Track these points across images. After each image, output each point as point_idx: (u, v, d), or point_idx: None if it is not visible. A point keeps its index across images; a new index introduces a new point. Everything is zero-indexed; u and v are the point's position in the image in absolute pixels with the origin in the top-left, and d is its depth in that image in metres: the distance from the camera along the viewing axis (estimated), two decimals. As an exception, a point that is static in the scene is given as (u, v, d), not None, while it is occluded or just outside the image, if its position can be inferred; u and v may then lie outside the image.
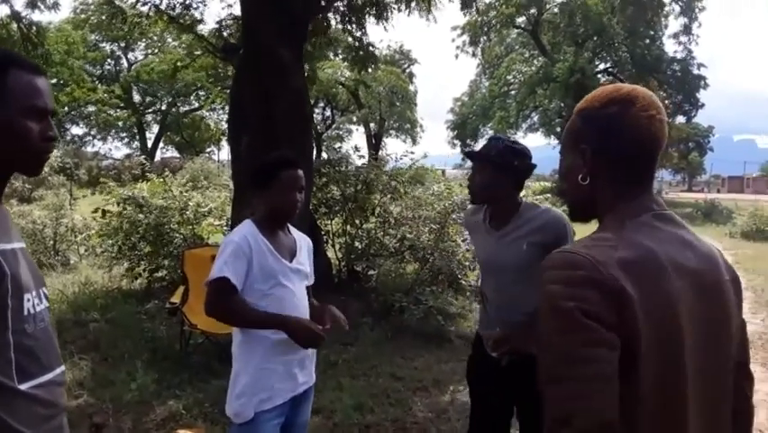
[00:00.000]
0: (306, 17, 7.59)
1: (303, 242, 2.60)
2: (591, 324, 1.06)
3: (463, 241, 7.08)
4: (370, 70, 12.41)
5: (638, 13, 27.70)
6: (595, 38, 30.20)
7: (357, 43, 9.77)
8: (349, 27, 9.50)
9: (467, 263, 7.41)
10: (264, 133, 6.86)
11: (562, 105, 30.89)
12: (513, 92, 36.43)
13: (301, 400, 2.51)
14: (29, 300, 1.35)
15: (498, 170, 2.55)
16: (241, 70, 7.60)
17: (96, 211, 7.59)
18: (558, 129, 31.99)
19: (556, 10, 31.22)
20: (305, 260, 2.55)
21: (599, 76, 32.08)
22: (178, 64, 23.05)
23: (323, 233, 8.02)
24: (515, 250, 2.53)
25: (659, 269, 1.15)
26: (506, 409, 2.71)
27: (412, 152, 8.75)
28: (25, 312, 1.34)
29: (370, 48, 10.09)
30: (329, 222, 8.19)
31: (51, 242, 9.31)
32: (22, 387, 1.31)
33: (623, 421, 1.05)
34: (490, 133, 43.45)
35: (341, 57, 18.61)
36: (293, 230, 2.60)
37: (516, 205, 2.62)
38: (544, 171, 37.91)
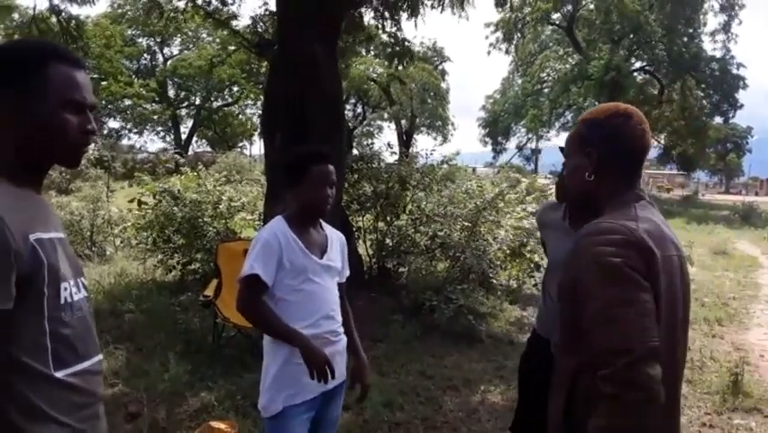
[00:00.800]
0: (341, 13, 7.60)
1: (335, 238, 2.59)
2: (635, 275, 1.39)
3: (494, 239, 7.03)
4: (405, 66, 12.37)
5: (676, 11, 27.17)
6: (631, 35, 29.69)
7: (392, 39, 9.74)
8: (383, 23, 9.47)
9: (498, 262, 7.35)
10: (297, 129, 6.89)
11: (597, 103, 30.44)
12: (546, 90, 36.04)
13: (332, 396, 2.51)
14: (66, 289, 1.37)
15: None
16: (275, 66, 7.64)
17: (132, 201, 7.70)
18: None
19: (592, 6, 30.75)
20: (336, 256, 2.54)
21: (635, 74, 31.53)
22: (214, 60, 23.27)
23: (354, 229, 8.04)
24: None
25: (665, 238, 1.54)
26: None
27: (434, 150, 8.73)
28: (62, 300, 1.35)
29: (406, 43, 10.06)
30: (360, 218, 8.20)
31: (88, 233, 9.50)
32: (58, 375, 1.33)
33: None
34: (523, 131, 43.14)
35: (373, 53, 18.62)
36: (325, 226, 2.58)
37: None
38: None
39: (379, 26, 9.56)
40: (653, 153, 43.97)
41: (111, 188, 12.98)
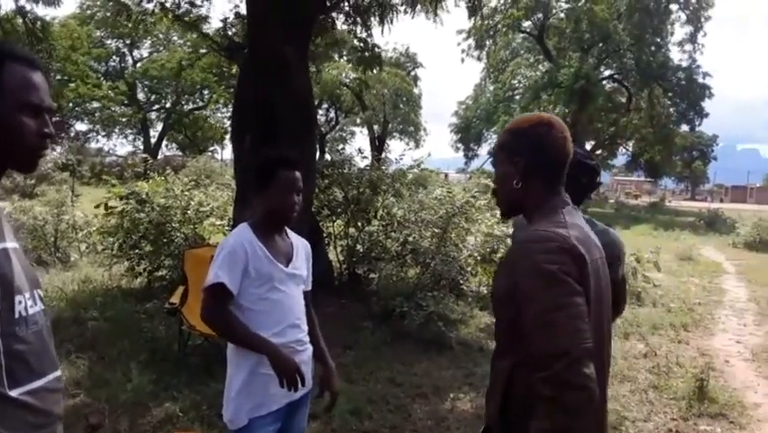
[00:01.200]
0: (311, 17, 7.56)
1: (300, 246, 2.55)
2: (569, 280, 1.47)
3: (465, 246, 7.04)
4: (374, 71, 12.36)
5: (644, 20, 27.70)
6: (601, 44, 30.16)
7: (362, 44, 9.71)
8: (354, 28, 9.44)
9: (469, 268, 7.36)
10: (267, 131, 6.81)
11: (567, 110, 30.82)
12: (517, 97, 36.36)
13: (297, 406, 2.46)
14: (20, 303, 1.30)
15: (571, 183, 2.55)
16: (245, 69, 7.56)
17: (98, 206, 7.53)
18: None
19: (562, 15, 31.20)
20: (301, 264, 2.50)
21: (604, 82, 32.03)
22: (183, 63, 22.99)
23: (324, 235, 7.98)
24: None
25: (591, 243, 1.64)
26: None
27: (403, 154, 8.74)
28: (16, 315, 1.29)
29: (376, 49, 10.04)
30: (331, 224, 8.15)
31: (52, 238, 9.26)
32: (12, 393, 1.26)
33: None
34: (494, 137, 43.45)
35: (345, 58, 18.60)
36: (291, 234, 2.55)
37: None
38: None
39: (350, 31, 9.51)
40: (620, 160, 44.78)
41: (76, 193, 12.70)
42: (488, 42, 33.08)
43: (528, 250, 1.55)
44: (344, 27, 9.69)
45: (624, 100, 33.32)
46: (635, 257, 8.99)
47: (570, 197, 2.52)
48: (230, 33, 8.86)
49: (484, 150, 44.08)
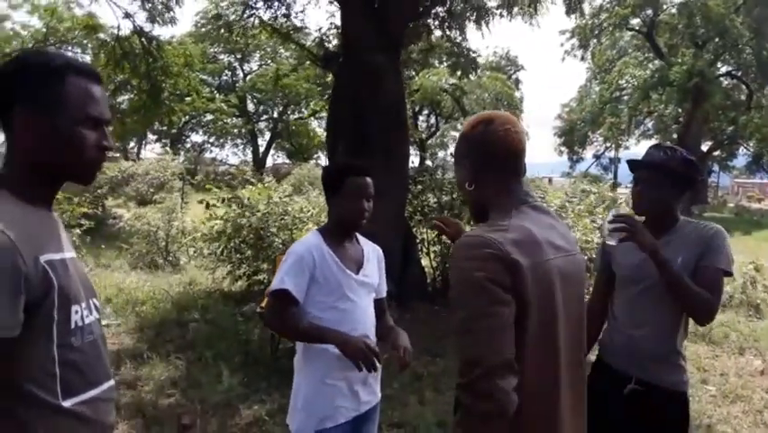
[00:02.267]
0: (403, 24, 7.57)
1: (372, 252, 2.51)
2: (495, 288, 1.42)
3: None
4: (471, 77, 12.20)
5: (764, 13, 25.63)
6: (716, 39, 28.16)
7: (457, 49, 9.62)
8: (449, 33, 9.37)
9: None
10: (358, 139, 6.90)
11: (680, 110, 29.07)
12: (625, 97, 34.71)
13: (365, 420, 2.41)
14: (77, 312, 1.33)
15: (676, 184, 2.40)
16: (338, 78, 7.70)
17: (201, 202, 7.91)
18: (675, 135, 30.13)
19: (674, 10, 29.46)
20: (372, 271, 2.47)
21: (721, 79, 29.91)
22: (280, 73, 23.74)
23: (417, 241, 7.94)
24: None
25: (538, 245, 1.53)
26: None
27: None
28: (72, 325, 1.31)
29: (471, 53, 9.92)
30: (424, 230, 8.09)
31: (164, 243, 9.83)
32: (66, 404, 1.29)
33: (517, 359, 1.41)
34: (600, 140, 41.80)
35: (445, 64, 18.54)
36: (362, 240, 2.52)
37: (676, 218, 2.44)
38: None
39: (444, 36, 9.44)
40: (741, 161, 41.63)
41: (185, 200, 13.42)
42: (592, 42, 31.84)
43: (458, 256, 1.53)
44: (439, 33, 9.65)
45: (743, 98, 30.97)
46: (753, 266, 8.28)
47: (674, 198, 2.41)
48: (326, 44, 9.05)
49: (589, 153, 42.57)
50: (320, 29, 9.02)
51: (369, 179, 2.37)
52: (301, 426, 2.29)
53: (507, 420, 1.39)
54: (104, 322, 5.90)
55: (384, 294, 2.58)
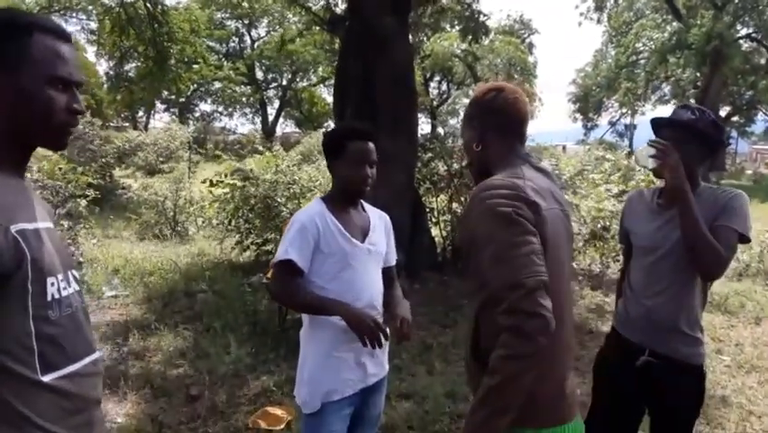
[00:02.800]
0: (412, -15, 7.33)
1: (379, 220, 2.41)
2: (524, 221, 1.55)
3: (574, 222, 6.62)
4: (482, 41, 11.90)
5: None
6: (736, 0, 27.39)
7: (467, 13, 9.35)
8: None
9: (579, 245, 6.95)
10: (366, 105, 6.74)
11: (698, 74, 28.43)
12: (642, 61, 34.01)
13: (372, 391, 2.34)
14: (53, 285, 1.26)
15: (702, 146, 2.29)
16: (345, 42, 7.50)
17: (204, 182, 7.81)
18: (692, 101, 29.54)
19: (693, -30, 28.63)
20: (380, 239, 2.37)
21: (741, 42, 29.15)
22: (285, 38, 23.41)
23: (427, 210, 7.82)
24: None
25: (548, 193, 1.70)
26: (634, 417, 2.49)
27: None
28: (48, 297, 1.24)
29: (482, 17, 9.64)
30: (434, 199, 7.96)
31: (171, 213, 9.77)
32: (46, 379, 1.23)
33: None
34: (616, 106, 41.14)
35: (456, 29, 18.17)
36: (368, 207, 2.42)
37: (696, 185, 2.29)
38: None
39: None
40: (759, 127, 40.90)
41: (199, 168, 13.34)
42: (609, 3, 31.09)
43: (482, 197, 1.62)
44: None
45: (763, 61, 30.22)
46: (770, 234, 8.13)
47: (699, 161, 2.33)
48: (332, 7, 8.81)
49: (605, 119, 41.98)
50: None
51: (371, 144, 2.26)
52: (307, 398, 2.24)
53: (551, 337, 1.47)
54: (112, 293, 5.89)
55: (392, 263, 2.48)
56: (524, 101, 1.83)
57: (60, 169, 7.03)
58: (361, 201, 2.39)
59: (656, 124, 2.40)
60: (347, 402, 2.25)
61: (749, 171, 34.67)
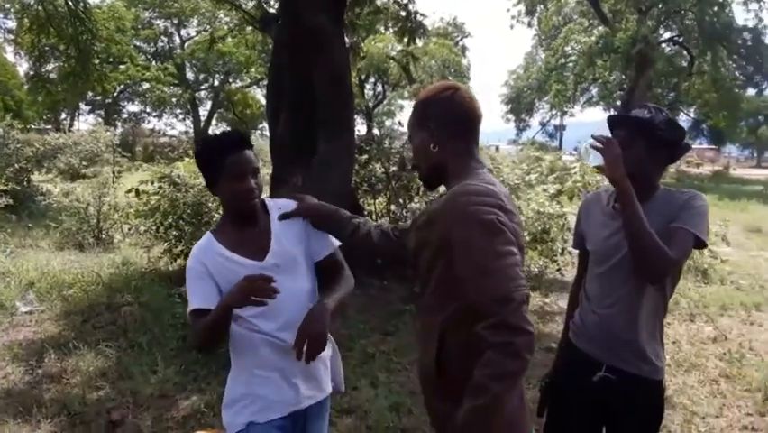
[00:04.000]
0: (347, -16, 7.13)
1: (283, 226, 2.08)
2: (506, 230, 1.51)
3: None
4: (418, 41, 11.81)
5: (707, -23, 26.09)
6: (660, 5, 28.48)
7: (404, 13, 9.21)
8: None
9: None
10: (302, 107, 6.51)
11: (624, 76, 29.46)
12: (570, 64, 35.02)
13: (309, 416, 2.12)
14: None
15: (656, 143, 2.10)
16: (278, 42, 7.23)
17: (129, 191, 7.37)
18: (618, 102, 30.54)
19: (618, -25, 29.62)
20: (289, 247, 2.06)
21: (664, 45, 30.39)
22: (215, 37, 22.85)
23: (365, 213, 7.64)
24: None
25: (511, 201, 1.66)
26: None
27: None
28: None
29: (419, 17, 9.52)
30: (372, 201, 7.79)
31: (95, 220, 9.21)
32: None
33: None
34: (546, 107, 42.22)
35: (391, 30, 18.08)
36: (273, 207, 2.12)
37: (654, 187, 2.14)
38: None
39: (391, -1, 9.02)
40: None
41: (117, 174, 12.72)
42: (539, 8, 31.82)
43: (463, 202, 1.56)
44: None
45: (685, 64, 31.59)
46: (699, 231, 8.33)
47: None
48: (264, 5, 8.51)
49: (536, 120, 42.99)
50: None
51: (248, 153, 1.99)
52: (231, 420, 2.05)
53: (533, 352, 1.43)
54: (26, 309, 5.41)
55: (327, 251, 2.16)
56: (477, 102, 1.79)
57: (-32, 175, 6.46)
58: (269, 205, 2.12)
59: (611, 122, 2.26)
60: (274, 426, 2.02)
61: (672, 169, 36.14)
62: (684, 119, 38.84)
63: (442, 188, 1.83)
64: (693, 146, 53.30)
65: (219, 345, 2.05)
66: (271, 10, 8.60)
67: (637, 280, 2.08)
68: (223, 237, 2.02)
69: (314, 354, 1.85)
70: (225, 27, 32.86)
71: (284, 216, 2.08)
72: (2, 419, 3.67)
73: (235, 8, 9.42)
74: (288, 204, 2.14)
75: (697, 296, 6.97)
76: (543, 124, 44.57)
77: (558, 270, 7.39)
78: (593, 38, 30.92)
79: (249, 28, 23.45)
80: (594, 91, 36.83)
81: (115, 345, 4.91)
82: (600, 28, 30.85)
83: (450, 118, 1.75)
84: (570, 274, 7.58)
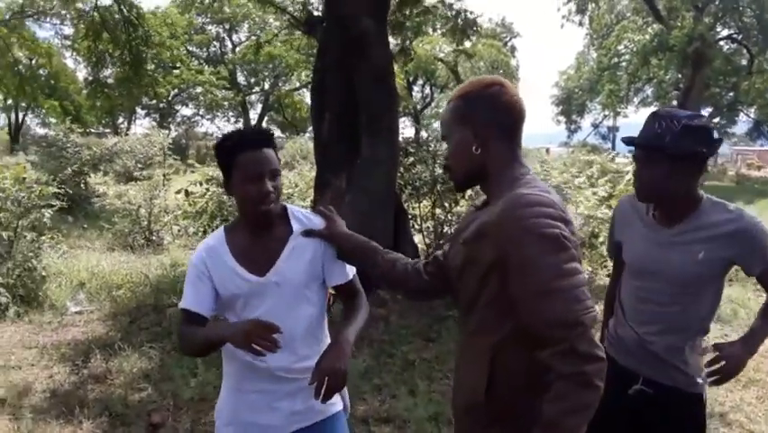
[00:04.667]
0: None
1: (303, 241, 1.93)
2: (570, 245, 1.38)
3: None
4: (469, 41, 11.65)
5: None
6: (717, 2, 27.46)
7: (453, 12, 9.10)
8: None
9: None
10: (346, 109, 6.49)
11: (680, 76, 28.51)
12: (624, 63, 34.10)
13: None
14: None
15: (676, 162, 1.90)
16: (323, 44, 7.22)
17: (179, 192, 7.48)
18: (675, 102, 29.58)
19: (674, -28, 28.71)
20: (294, 266, 1.89)
21: (722, 43, 29.28)
22: (261, 41, 23.17)
23: (409, 216, 7.55)
24: (686, 257, 1.94)
25: (565, 208, 1.49)
26: None
27: None
28: None
29: (469, 15, 9.38)
30: (416, 204, 7.69)
31: (146, 222, 9.41)
32: None
33: None
34: (598, 108, 41.26)
35: (439, 32, 17.97)
36: (298, 219, 1.96)
37: (695, 200, 1.98)
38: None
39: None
40: (741, 128, 41.15)
41: (168, 177, 12.98)
42: (590, 6, 31.11)
43: (521, 215, 1.40)
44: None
45: (745, 62, 30.37)
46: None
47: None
48: (309, 8, 8.53)
49: (587, 122, 42.07)
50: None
51: (267, 151, 1.83)
52: None
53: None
54: (76, 309, 5.52)
55: (343, 278, 1.99)
56: (521, 99, 1.62)
57: (25, 178, 6.66)
58: (291, 213, 1.97)
59: (627, 143, 2.09)
60: None
61: (731, 173, 34.83)
62: (744, 120, 37.40)
63: (473, 189, 1.74)
64: (754, 148, 51.27)
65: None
66: (317, 13, 8.60)
67: (681, 298, 1.98)
68: (233, 240, 1.90)
69: (332, 393, 1.70)
70: (275, 31, 33.34)
71: (306, 234, 1.93)
72: (45, 419, 3.74)
73: (281, 12, 9.47)
74: (312, 218, 1.98)
75: (757, 306, 6.62)
76: (595, 126, 43.54)
77: (608, 275, 7.14)
78: (647, 36, 30.01)
79: (297, 33, 23.73)
80: (649, 91, 35.82)
81: (159, 346, 4.96)
82: (655, 26, 29.93)
83: (496, 117, 1.57)
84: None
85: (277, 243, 1.91)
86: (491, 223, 1.48)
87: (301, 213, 2.00)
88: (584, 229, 6.74)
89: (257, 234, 1.90)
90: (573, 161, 9.01)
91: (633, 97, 37.11)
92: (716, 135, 1.96)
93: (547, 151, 34.89)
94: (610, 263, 6.93)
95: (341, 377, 1.70)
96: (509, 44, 35.41)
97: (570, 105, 40.55)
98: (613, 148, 38.27)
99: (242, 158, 1.81)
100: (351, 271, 2.02)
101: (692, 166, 1.94)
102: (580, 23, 32.03)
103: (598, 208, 6.66)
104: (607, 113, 41.80)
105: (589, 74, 37.42)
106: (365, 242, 1.96)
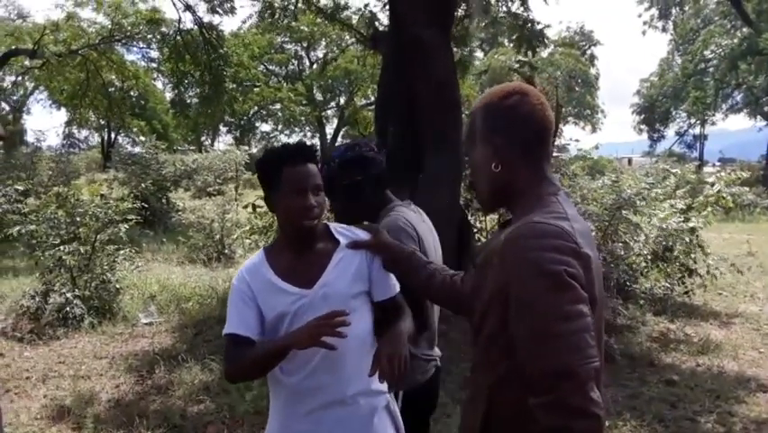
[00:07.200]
0: (454, -2, 7.02)
1: (349, 253, 1.88)
2: (575, 284, 1.24)
3: (634, 242, 6.06)
4: (539, 51, 11.36)
5: None
6: (811, 2, 25.71)
7: (519, 21, 8.91)
8: (509, 5, 8.69)
9: (638, 268, 6.38)
10: (409, 121, 6.46)
11: (773, 80, 26.89)
12: (711, 69, 32.47)
13: None
14: None
15: (342, 195, 2.20)
16: (387, 58, 7.24)
17: (246, 207, 7.67)
18: (766, 109, 27.90)
19: (764, -28, 27.15)
20: (341, 278, 1.84)
21: (817, 45, 27.34)
22: (327, 59, 23.55)
23: (475, 230, 7.41)
24: None
25: (591, 238, 1.40)
26: None
27: (577, 140, 7.86)
28: None
29: (536, 25, 9.15)
30: (483, 219, 7.54)
31: (218, 236, 9.69)
32: None
33: None
34: (683, 116, 39.44)
35: (507, 42, 17.71)
36: (343, 234, 1.92)
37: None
38: (749, 157, 33.43)
39: (502, 7, 8.76)
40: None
41: (240, 191, 13.35)
42: (674, 11, 29.89)
43: (526, 246, 1.27)
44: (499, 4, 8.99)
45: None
46: None
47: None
48: (375, 23, 8.59)
49: (672, 130, 40.27)
50: (366, 6, 8.53)
51: (311, 166, 1.81)
52: None
53: None
54: (147, 320, 5.71)
55: (390, 292, 1.93)
56: (548, 107, 1.47)
57: (103, 195, 6.99)
58: (335, 230, 1.92)
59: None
60: None
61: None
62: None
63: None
64: None
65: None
66: (382, 28, 8.65)
67: None
68: (274, 259, 1.84)
69: (395, 376, 1.64)
70: (352, 49, 33.92)
71: (353, 246, 1.88)
72: (106, 429, 3.85)
73: (347, 28, 9.58)
74: (357, 232, 1.94)
75: None
76: (680, 134, 41.54)
77: (686, 292, 6.74)
78: (736, 40, 28.52)
79: (366, 49, 24.01)
80: (738, 97, 33.92)
81: (221, 359, 5.04)
82: (744, 29, 28.39)
83: (518, 131, 1.43)
84: (699, 298, 6.90)
85: (321, 257, 1.85)
86: (496, 252, 1.38)
87: (344, 228, 1.96)
88: (658, 241, 6.39)
89: (299, 251, 1.85)
90: (647, 172, 8.58)
91: (721, 104, 35.25)
92: (371, 153, 2.27)
93: (629, 161, 33.64)
94: (688, 279, 6.59)
95: (403, 359, 1.68)
96: (588, 53, 34.46)
97: (652, 114, 38.88)
98: (700, 157, 36.55)
99: (285, 172, 1.79)
100: (396, 286, 1.96)
101: (358, 191, 2.22)
102: (664, 29, 30.86)
103: (673, 219, 6.31)
104: (692, 120, 39.91)
105: (673, 81, 35.84)
106: (411, 252, 1.93)
